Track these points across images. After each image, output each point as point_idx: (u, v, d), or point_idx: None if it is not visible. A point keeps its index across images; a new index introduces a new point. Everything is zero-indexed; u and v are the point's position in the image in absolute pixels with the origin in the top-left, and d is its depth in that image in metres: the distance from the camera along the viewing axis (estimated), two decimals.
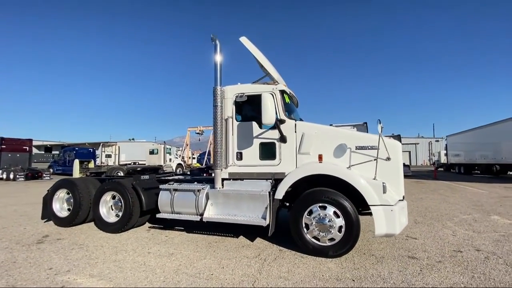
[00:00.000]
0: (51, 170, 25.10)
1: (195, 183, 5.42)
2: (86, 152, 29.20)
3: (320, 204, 4.17)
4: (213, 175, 9.23)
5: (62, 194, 6.13)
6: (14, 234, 5.46)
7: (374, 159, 4.20)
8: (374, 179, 4.12)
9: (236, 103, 5.09)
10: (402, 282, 3.30)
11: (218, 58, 5.07)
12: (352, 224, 3.97)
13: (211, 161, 30.75)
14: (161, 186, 5.34)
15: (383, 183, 4.01)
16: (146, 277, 3.45)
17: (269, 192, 4.53)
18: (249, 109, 5.15)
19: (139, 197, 5.32)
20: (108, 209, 5.66)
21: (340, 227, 4.03)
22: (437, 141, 46.79)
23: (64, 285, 3.25)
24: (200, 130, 32.20)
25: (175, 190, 5.19)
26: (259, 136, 4.94)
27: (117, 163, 28.32)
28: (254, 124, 5.00)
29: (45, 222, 6.39)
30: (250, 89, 5.07)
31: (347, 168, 4.31)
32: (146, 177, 5.95)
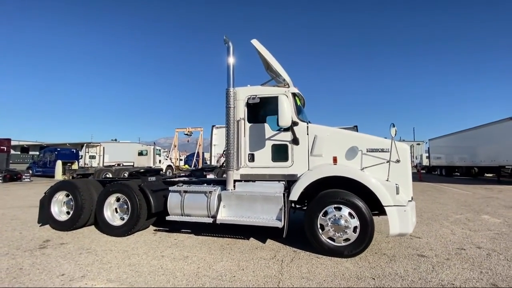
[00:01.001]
0: (30, 171, 23.79)
1: (205, 184, 5.37)
2: (69, 153, 28.00)
3: (335, 205, 4.26)
4: (208, 176, 9.17)
5: (61, 196, 5.86)
6: (11, 239, 5.16)
7: (387, 162, 4.36)
8: (387, 180, 4.28)
9: (248, 105, 5.12)
10: (420, 279, 3.44)
11: (231, 59, 5.08)
12: (367, 225, 4.09)
13: (200, 163, 30.30)
14: (170, 188, 5.24)
15: (396, 184, 4.17)
16: (168, 281, 3.38)
17: (284, 194, 4.58)
18: (261, 111, 5.19)
19: (147, 199, 5.18)
20: (112, 212, 5.48)
21: (355, 227, 4.14)
22: (418, 144, 48.76)
23: None
24: (188, 131, 31.70)
25: (185, 192, 5.11)
26: (271, 138, 4.99)
27: (101, 165, 27.29)
28: (266, 126, 5.05)
29: (40, 226, 6.08)
30: (263, 91, 5.11)
31: (361, 170, 4.44)
32: (153, 178, 5.82)
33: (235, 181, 5.03)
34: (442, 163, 25.68)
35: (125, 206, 5.37)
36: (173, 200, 5.14)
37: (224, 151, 5.41)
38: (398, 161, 4.42)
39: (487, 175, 22.02)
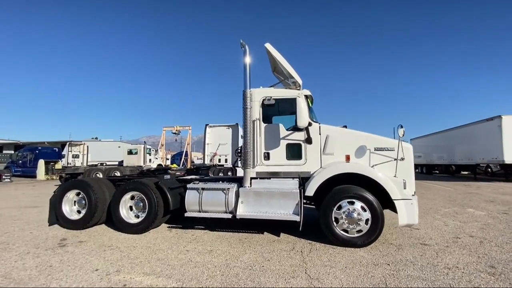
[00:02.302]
0: (10, 171, 22.60)
1: (220, 182, 5.56)
2: (51, 152, 26.91)
3: (348, 200, 4.62)
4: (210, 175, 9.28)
5: (71, 195, 5.82)
6: (24, 239, 5.09)
7: (394, 160, 4.78)
8: (395, 176, 4.70)
9: (263, 106, 5.37)
10: (428, 264, 3.86)
11: (247, 62, 5.30)
12: (378, 217, 4.48)
13: (188, 162, 30.12)
14: (188, 186, 5.39)
15: (403, 180, 4.59)
16: (203, 272, 3.58)
17: (300, 190, 4.88)
18: (275, 111, 5.45)
19: (165, 197, 5.30)
20: (127, 209, 5.54)
21: (367, 219, 4.51)
22: None
23: (126, 284, 3.25)
24: (176, 130, 31.28)
25: (203, 189, 5.28)
26: (286, 138, 5.28)
27: (85, 164, 26.37)
28: (281, 126, 5.34)
29: (49, 225, 5.99)
30: (277, 93, 5.38)
31: (371, 167, 4.83)
32: (168, 177, 5.92)
33: (251, 178, 5.27)
34: (422, 161, 27.15)
35: (141, 204, 5.45)
36: (191, 197, 5.29)
37: (237, 150, 5.66)
38: (402, 159, 4.85)
39: (463, 172, 23.60)
